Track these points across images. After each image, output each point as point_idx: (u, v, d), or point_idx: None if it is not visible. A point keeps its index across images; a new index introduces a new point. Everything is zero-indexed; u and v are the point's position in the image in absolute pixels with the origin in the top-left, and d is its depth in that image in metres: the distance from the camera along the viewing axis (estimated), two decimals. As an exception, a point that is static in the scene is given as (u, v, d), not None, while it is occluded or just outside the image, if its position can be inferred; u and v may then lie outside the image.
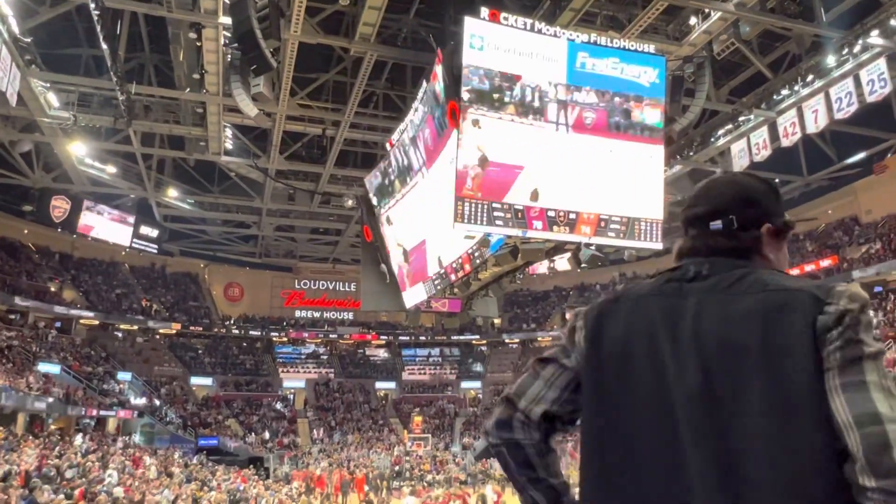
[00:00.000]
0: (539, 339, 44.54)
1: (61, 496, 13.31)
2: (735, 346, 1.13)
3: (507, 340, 45.81)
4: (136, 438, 29.91)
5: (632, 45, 13.92)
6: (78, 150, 26.49)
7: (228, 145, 25.19)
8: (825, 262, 29.60)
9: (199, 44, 17.76)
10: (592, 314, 1.32)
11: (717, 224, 1.28)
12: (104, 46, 17.76)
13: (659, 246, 14.34)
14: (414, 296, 19.52)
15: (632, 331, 1.24)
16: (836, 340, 1.09)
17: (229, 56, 17.56)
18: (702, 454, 1.11)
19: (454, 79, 12.82)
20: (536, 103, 13.00)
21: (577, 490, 1.31)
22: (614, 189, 13.51)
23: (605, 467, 1.22)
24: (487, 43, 12.60)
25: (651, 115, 13.82)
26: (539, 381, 1.34)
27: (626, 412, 1.20)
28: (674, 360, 1.17)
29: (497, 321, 43.01)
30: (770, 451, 1.06)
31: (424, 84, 15.11)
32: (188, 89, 20.83)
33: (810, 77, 18.98)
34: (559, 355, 1.36)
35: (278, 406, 39.97)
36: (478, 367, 45.40)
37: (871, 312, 1.20)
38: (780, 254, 1.32)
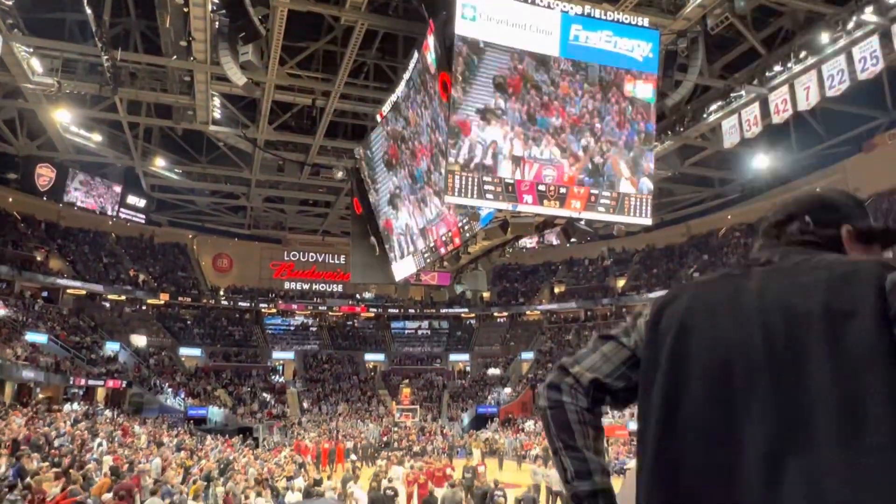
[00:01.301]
0: (527, 313, 44.90)
1: (48, 464, 13.32)
2: (798, 313, 1.13)
3: (495, 314, 46.14)
4: (126, 408, 29.96)
5: (626, 19, 13.78)
6: (63, 118, 26.07)
7: (216, 114, 24.82)
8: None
9: (186, 10, 17.37)
10: (658, 302, 1.35)
11: (793, 226, 1.31)
12: (88, 11, 17.37)
13: (648, 221, 14.37)
14: (403, 268, 19.53)
15: (693, 309, 1.26)
16: None
17: (217, 23, 17.23)
18: (761, 422, 1.11)
19: (446, 50, 12.65)
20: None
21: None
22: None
23: (657, 440, 1.23)
24: (480, 13, 12.43)
25: (643, 89, 13.75)
26: (596, 355, 1.38)
27: (681, 385, 1.21)
28: (734, 334, 1.18)
29: (486, 295, 43.23)
30: (833, 414, 1.04)
31: (416, 54, 14.93)
32: (175, 56, 20.45)
33: (803, 53, 18.87)
34: (620, 334, 1.39)
35: (268, 377, 40.17)
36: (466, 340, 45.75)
37: None
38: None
